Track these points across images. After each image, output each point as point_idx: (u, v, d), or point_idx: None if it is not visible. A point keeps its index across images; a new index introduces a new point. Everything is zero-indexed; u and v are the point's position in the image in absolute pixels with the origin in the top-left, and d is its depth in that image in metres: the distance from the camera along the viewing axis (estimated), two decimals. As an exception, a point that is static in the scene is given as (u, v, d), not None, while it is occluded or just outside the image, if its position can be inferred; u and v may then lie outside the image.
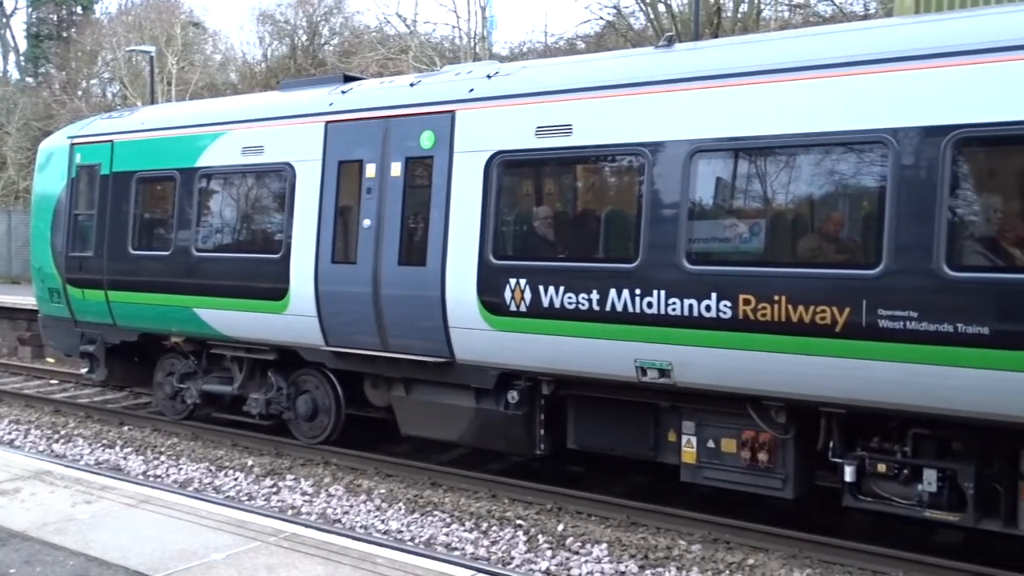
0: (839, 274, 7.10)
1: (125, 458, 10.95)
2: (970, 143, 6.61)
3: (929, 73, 6.77)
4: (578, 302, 8.24)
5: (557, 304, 8.36)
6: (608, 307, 8.06)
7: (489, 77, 9.29)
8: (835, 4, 25.43)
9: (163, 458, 10.84)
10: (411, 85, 9.95)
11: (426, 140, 9.38)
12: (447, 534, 8.06)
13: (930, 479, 7.04)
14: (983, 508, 6.98)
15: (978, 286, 6.49)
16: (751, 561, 7.29)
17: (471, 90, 9.23)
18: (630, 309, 7.94)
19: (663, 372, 7.86)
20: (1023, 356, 6.25)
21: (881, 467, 7.25)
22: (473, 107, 9.14)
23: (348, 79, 11.07)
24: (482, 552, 7.63)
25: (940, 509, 7.06)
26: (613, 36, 28.13)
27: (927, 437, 7.14)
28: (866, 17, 22.63)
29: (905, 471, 7.16)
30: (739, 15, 25.76)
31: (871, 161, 7.07)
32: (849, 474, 7.35)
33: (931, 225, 6.63)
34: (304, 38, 39.19)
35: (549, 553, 7.55)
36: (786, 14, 26.65)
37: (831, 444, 7.49)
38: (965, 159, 6.69)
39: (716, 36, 20.83)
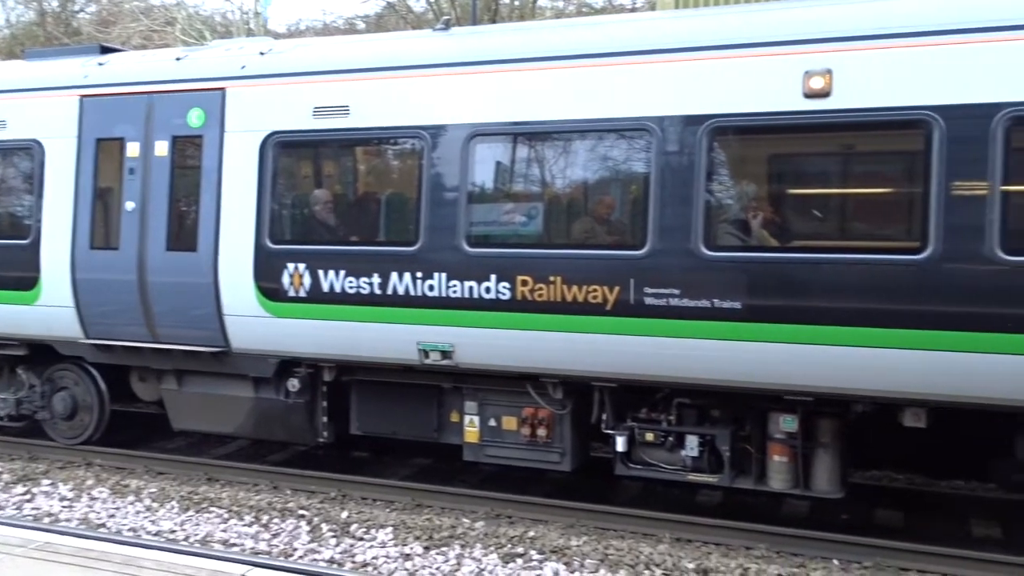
0: (609, 255, 7.46)
1: None
2: (724, 132, 7.13)
3: (687, 65, 7.23)
4: (359, 286, 8.15)
5: (338, 289, 8.22)
6: (390, 291, 8.03)
7: (262, 54, 8.93)
8: (606, -3, 26.57)
9: None
10: (177, 59, 9.39)
11: (195, 118, 8.89)
12: (225, 530, 7.74)
13: (692, 445, 7.56)
14: (738, 468, 7.60)
15: (731, 265, 7.03)
16: (532, 533, 7.54)
17: (243, 67, 8.84)
18: (412, 292, 7.95)
19: (445, 354, 7.94)
20: (771, 328, 6.84)
21: (649, 436, 7.71)
22: (245, 85, 8.76)
23: (105, 50, 10.28)
24: (263, 546, 7.39)
25: (701, 472, 7.61)
26: (393, 18, 27.90)
27: (689, 406, 7.67)
28: (633, 10, 23.83)
29: (670, 439, 7.66)
30: (516, 2, 26.34)
31: (637, 147, 7.46)
32: (620, 444, 7.76)
33: (690, 208, 7.10)
34: (55, 4, 35.91)
35: (333, 541, 7.44)
36: (560, 3, 27.53)
37: (604, 417, 7.87)
38: (720, 147, 7.20)
39: (494, 22, 21.18)
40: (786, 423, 7.28)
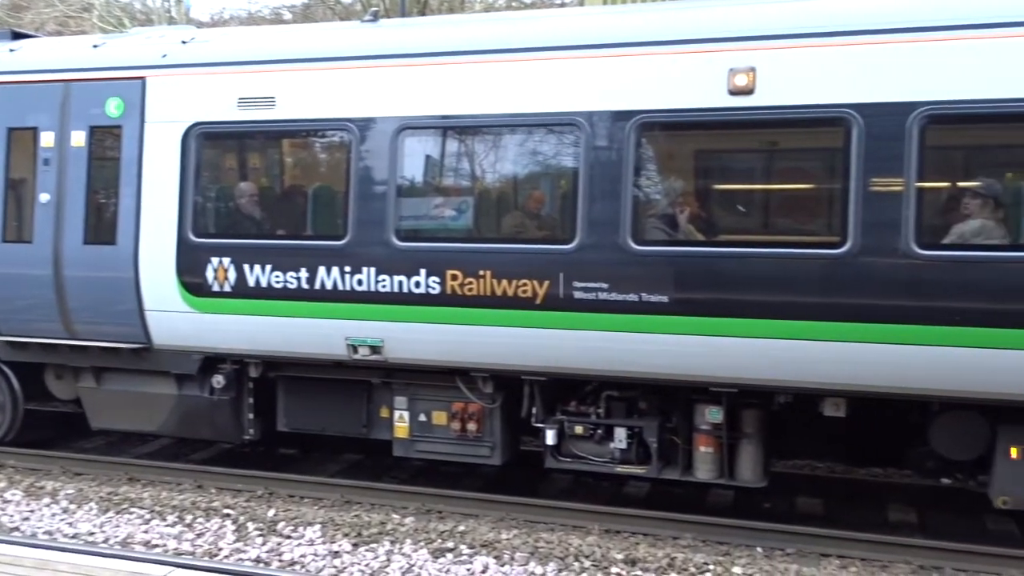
0: (539, 249, 7.48)
1: None
2: (651, 127, 7.21)
3: (616, 61, 7.28)
4: (286, 281, 8.02)
5: (264, 283, 8.08)
6: (318, 285, 7.93)
7: (185, 43, 8.71)
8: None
9: None
10: (95, 46, 9.09)
11: (113, 108, 8.62)
12: (146, 531, 7.54)
13: (620, 437, 7.65)
14: (665, 460, 7.71)
15: (659, 259, 7.12)
16: (462, 528, 7.53)
17: (164, 56, 8.60)
18: (340, 287, 7.86)
19: (374, 349, 7.87)
20: (698, 321, 6.95)
21: (578, 429, 7.77)
22: (167, 74, 8.52)
23: (17, 36, 9.89)
24: (186, 547, 7.22)
25: (629, 463, 7.70)
26: (321, 8, 27.51)
27: (618, 399, 7.75)
28: (563, 6, 23.95)
29: (599, 431, 7.73)
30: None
31: (567, 142, 7.50)
32: (550, 437, 7.80)
33: (618, 203, 7.16)
34: (-36, -13, 34.44)
35: (259, 540, 7.31)
36: (490, -2, 27.49)
37: (534, 411, 7.90)
38: (647, 142, 7.29)
39: (423, 15, 21.05)
40: (712, 414, 7.41)
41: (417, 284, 7.64)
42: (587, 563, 6.83)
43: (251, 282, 8.10)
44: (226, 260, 8.19)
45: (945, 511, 8.01)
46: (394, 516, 7.85)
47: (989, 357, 6.33)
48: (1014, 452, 6.75)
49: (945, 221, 6.63)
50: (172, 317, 8.39)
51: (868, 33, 6.64)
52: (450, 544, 7.19)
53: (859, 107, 6.56)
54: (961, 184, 6.77)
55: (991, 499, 6.97)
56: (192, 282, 8.28)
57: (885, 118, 6.50)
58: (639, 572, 6.68)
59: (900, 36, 6.55)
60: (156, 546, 7.26)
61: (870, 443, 8.13)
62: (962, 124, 6.61)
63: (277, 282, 8.04)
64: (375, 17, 8.52)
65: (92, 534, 7.52)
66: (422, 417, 8.20)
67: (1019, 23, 6.34)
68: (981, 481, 7.19)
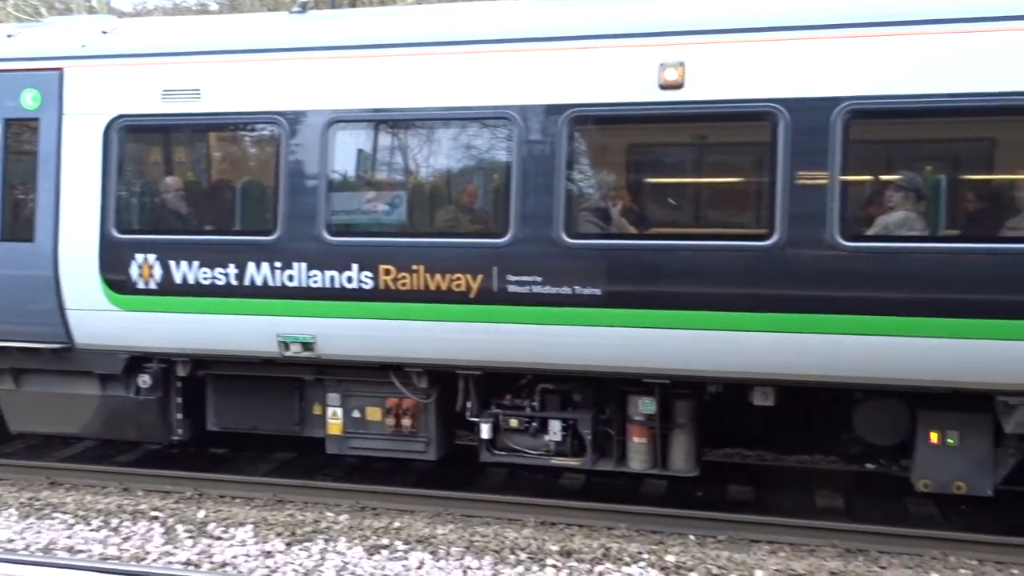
0: (473, 243, 7.47)
1: None
2: (584, 121, 7.24)
3: (549, 54, 7.29)
4: (214, 277, 7.85)
5: (191, 280, 7.90)
6: (247, 281, 7.78)
7: (105, 33, 8.45)
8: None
9: None
10: (9, 36, 8.76)
11: (29, 100, 8.32)
12: (70, 536, 7.30)
13: (555, 429, 7.69)
14: (599, 451, 7.78)
15: (592, 252, 7.16)
16: (397, 524, 7.48)
17: (84, 46, 8.33)
18: (270, 283, 7.73)
19: (306, 345, 7.76)
20: (630, 314, 7.01)
21: (513, 422, 7.78)
22: (87, 65, 8.25)
23: (-74, 24, 9.47)
24: (112, 551, 7.02)
25: (564, 456, 7.75)
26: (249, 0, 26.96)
27: (552, 392, 7.78)
28: None
29: (534, 424, 7.76)
30: (376, -12, 25.92)
31: (500, 136, 7.48)
32: (485, 431, 7.80)
33: (551, 196, 7.18)
34: None
35: (189, 542, 7.15)
36: (422, -9, 27.30)
37: (469, 405, 7.89)
38: (580, 136, 7.32)
39: (354, 6, 20.79)
40: (645, 405, 7.50)
41: (349, 279, 7.55)
42: (523, 556, 6.85)
43: (178, 279, 7.91)
44: (151, 257, 7.98)
45: (869, 495, 8.25)
46: (328, 514, 7.76)
47: (910, 345, 6.53)
48: (933, 437, 6.98)
49: (869, 213, 6.81)
50: (95, 316, 8.14)
51: (793, 29, 6.78)
52: (385, 541, 7.13)
53: (785, 102, 6.69)
54: (884, 177, 6.96)
55: (912, 483, 7.19)
56: (116, 280, 8.05)
57: (810, 113, 6.64)
58: (574, 563, 6.72)
59: (824, 32, 6.70)
60: (80, 551, 7.05)
61: (799, 431, 8.32)
62: (884, 119, 6.79)
63: (205, 279, 7.87)
64: (304, 8, 8.37)
65: (12, 541, 7.25)
66: (356, 413, 8.11)
67: (939, 20, 6.53)
68: (903, 465, 7.42)
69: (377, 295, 7.49)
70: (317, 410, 8.28)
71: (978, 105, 6.45)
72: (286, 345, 7.79)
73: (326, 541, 7.14)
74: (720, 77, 6.86)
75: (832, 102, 6.60)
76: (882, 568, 6.64)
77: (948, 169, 6.93)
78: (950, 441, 6.95)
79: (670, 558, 6.77)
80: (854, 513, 7.89)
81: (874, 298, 6.55)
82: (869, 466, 8.28)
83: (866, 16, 6.66)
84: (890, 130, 7.05)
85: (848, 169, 6.64)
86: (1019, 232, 6.49)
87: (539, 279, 7.16)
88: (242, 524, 7.50)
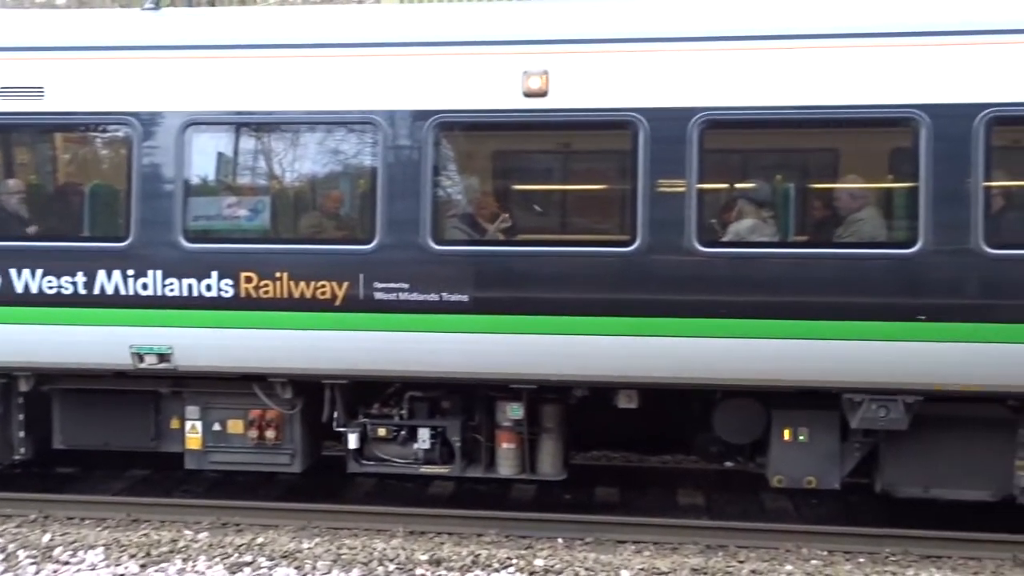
0: (338, 250, 7.34)
1: None
2: (450, 127, 7.22)
3: (414, 60, 7.23)
4: (60, 286, 7.42)
5: (34, 289, 7.43)
6: (97, 291, 7.39)
7: (-67, 25, 7.87)
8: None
9: None
10: None
11: None
12: None
13: (424, 437, 7.63)
14: (468, 458, 7.77)
15: (459, 258, 7.15)
16: (260, 540, 7.24)
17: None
18: (123, 292, 7.36)
19: (163, 357, 7.43)
20: (498, 320, 7.03)
21: (381, 431, 7.68)
22: (-84, 59, 7.66)
23: None
24: (-55, 582, 6.52)
25: (433, 463, 7.71)
26: (100, -5, 25.70)
27: (421, 399, 7.73)
28: (361, 2, 23.63)
29: (402, 433, 7.68)
30: (238, -12, 25.20)
31: (365, 141, 7.38)
32: (352, 441, 7.67)
33: (418, 202, 7.13)
34: None
35: (32, 569, 6.70)
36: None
37: (336, 414, 7.73)
38: (446, 142, 7.30)
39: (212, 5, 20.14)
40: (513, 411, 7.55)
41: (208, 287, 7.28)
42: (391, 567, 6.76)
43: (19, 288, 7.44)
44: (-11, 264, 7.48)
45: (729, 493, 8.56)
46: (187, 532, 7.44)
47: (763, 347, 6.81)
48: (786, 434, 7.31)
49: (723, 220, 7.08)
50: (-75, 328, 7.56)
51: (652, 41, 6.97)
52: (248, 558, 6.89)
53: (644, 111, 6.87)
54: (737, 185, 7.25)
55: (768, 479, 7.51)
56: (-51, 289, 7.49)
57: (668, 122, 6.84)
58: (444, 572, 6.67)
59: (680, 45, 6.93)
60: (-93, 584, 6.52)
61: (661, 432, 8.55)
62: (737, 129, 7.07)
63: (50, 288, 7.42)
64: (157, 5, 8.02)
65: None
66: (216, 426, 7.83)
67: (788, 36, 6.87)
68: (759, 463, 7.74)
69: (238, 303, 7.25)
70: (175, 424, 7.96)
71: (823, 117, 6.82)
72: (140, 357, 7.44)
73: (184, 561, 6.84)
74: (583, 86, 6.98)
75: (688, 112, 6.81)
76: (740, 563, 6.89)
77: (796, 178, 7.28)
78: (801, 438, 7.29)
79: (539, 562, 6.82)
80: (714, 510, 8.17)
81: (730, 302, 6.81)
82: (728, 464, 8.59)
83: (720, 31, 6.93)
84: (743, 140, 7.36)
85: (704, 177, 6.87)
86: (859, 238, 6.88)
87: (406, 286, 7.10)
88: (92, 547, 7.08)
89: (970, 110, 6.53)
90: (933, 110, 6.56)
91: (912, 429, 6.98)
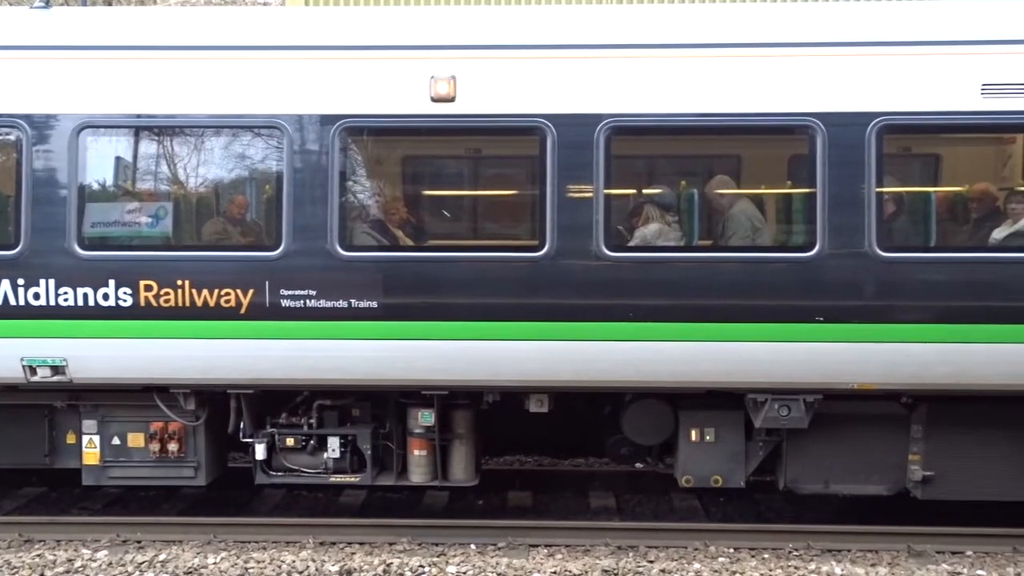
0: (243, 257, 7.19)
1: None
2: (357, 132, 7.13)
3: (319, 64, 7.11)
4: (-57, 297, 7.05)
5: (-87, 300, 7.05)
6: (-15, 300, 7.05)
7: None
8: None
9: None
10: None
11: None
12: None
13: (334, 446, 7.51)
14: (380, 466, 7.68)
15: (368, 264, 7.07)
16: (163, 556, 7.02)
17: None
18: (12, 302, 7.04)
19: (57, 369, 7.13)
20: (408, 326, 6.96)
21: (290, 441, 7.53)
22: None
23: None
24: None
25: (344, 472, 7.59)
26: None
27: (330, 407, 7.60)
28: (266, 4, 23.20)
29: (312, 442, 7.54)
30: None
31: (271, 146, 7.23)
32: (260, 452, 7.50)
33: (325, 208, 7.02)
34: None
35: (-85, 596, 6.37)
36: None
37: (242, 425, 7.55)
38: (354, 147, 7.21)
39: (110, 4, 19.49)
40: (424, 417, 7.50)
41: (105, 296, 7.01)
42: (301, 579, 6.64)
43: None
44: None
45: (640, 493, 8.68)
46: (84, 551, 7.16)
47: (670, 349, 6.93)
48: (694, 435, 7.45)
49: (630, 225, 7.18)
50: None
51: (559, 48, 7.03)
52: (149, 575, 6.67)
53: (552, 117, 6.91)
54: (643, 191, 7.36)
55: (677, 479, 7.64)
56: None
57: (575, 128, 6.89)
58: (354, 582, 6.59)
59: (587, 52, 7.00)
60: None
61: (573, 435, 8.62)
62: (641, 135, 7.17)
63: (-70, 298, 7.05)
64: (47, 3, 7.70)
65: None
66: (116, 440, 7.56)
67: (689, 44, 7.01)
68: (668, 463, 7.87)
69: (137, 313, 7.01)
70: (71, 439, 7.65)
71: (726, 124, 6.98)
72: (32, 369, 7.13)
73: (81, 581, 6.59)
74: (491, 92, 6.98)
75: (594, 119, 6.88)
76: (650, 562, 6.99)
77: (700, 184, 7.43)
78: (708, 438, 7.45)
79: (452, 569, 6.79)
80: (625, 511, 8.28)
81: (637, 305, 6.90)
82: (638, 465, 8.71)
83: (625, 39, 7.02)
84: (648, 146, 7.48)
85: (611, 183, 6.96)
86: (760, 241, 7.07)
87: (313, 293, 6.97)
88: (-19, 570, 6.77)
89: (862, 118, 6.78)
90: (828, 118, 6.79)
91: (812, 427, 7.21)
